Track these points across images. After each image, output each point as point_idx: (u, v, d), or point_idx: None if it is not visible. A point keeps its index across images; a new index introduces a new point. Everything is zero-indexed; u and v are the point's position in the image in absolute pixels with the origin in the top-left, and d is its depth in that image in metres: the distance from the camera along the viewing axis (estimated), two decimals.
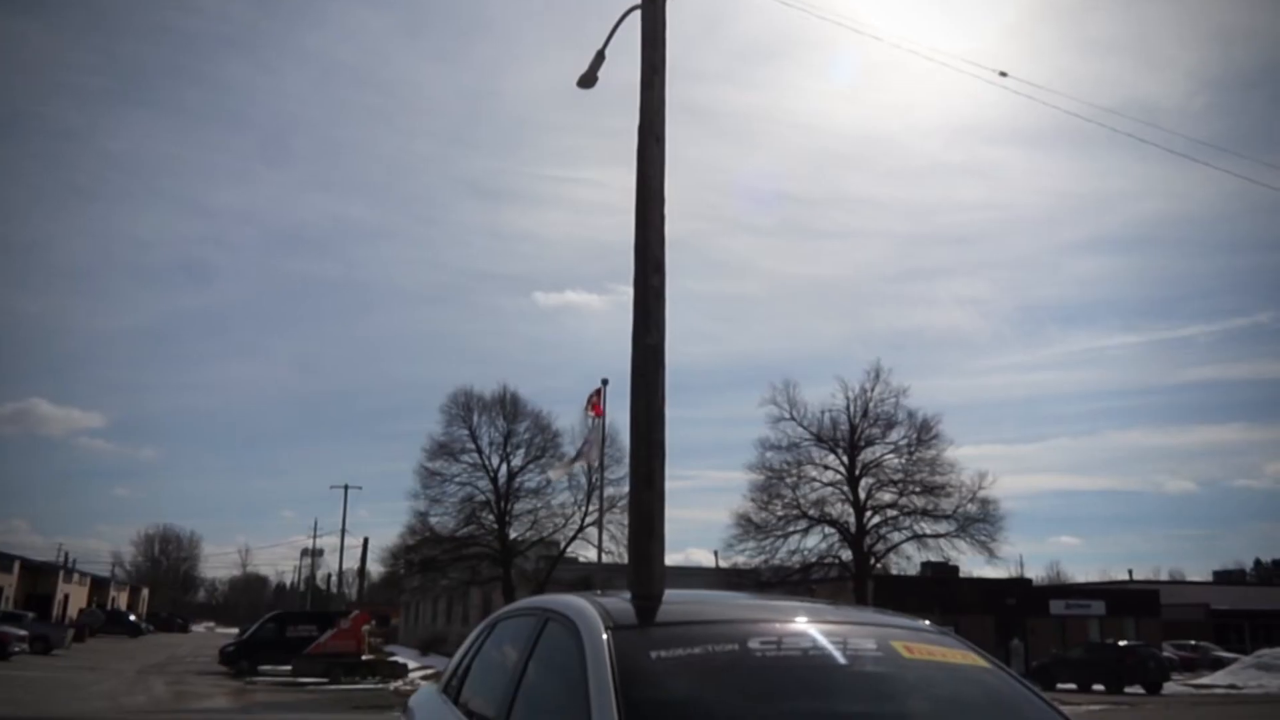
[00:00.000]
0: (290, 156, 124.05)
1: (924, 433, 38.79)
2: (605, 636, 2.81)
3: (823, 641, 3.03)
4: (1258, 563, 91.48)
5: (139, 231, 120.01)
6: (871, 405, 39.14)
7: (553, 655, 3.10)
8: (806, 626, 3.12)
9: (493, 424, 39.04)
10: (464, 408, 39.05)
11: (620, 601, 3.34)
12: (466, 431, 38.78)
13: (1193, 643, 47.32)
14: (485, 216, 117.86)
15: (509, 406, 39.23)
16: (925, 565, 40.75)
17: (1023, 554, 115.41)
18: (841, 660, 2.94)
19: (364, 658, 28.93)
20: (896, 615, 3.41)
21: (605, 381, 19.90)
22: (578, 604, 3.19)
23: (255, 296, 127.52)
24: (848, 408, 39.28)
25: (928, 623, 3.39)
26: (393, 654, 35.54)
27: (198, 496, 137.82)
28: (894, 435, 39.18)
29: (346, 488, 55.26)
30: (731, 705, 2.67)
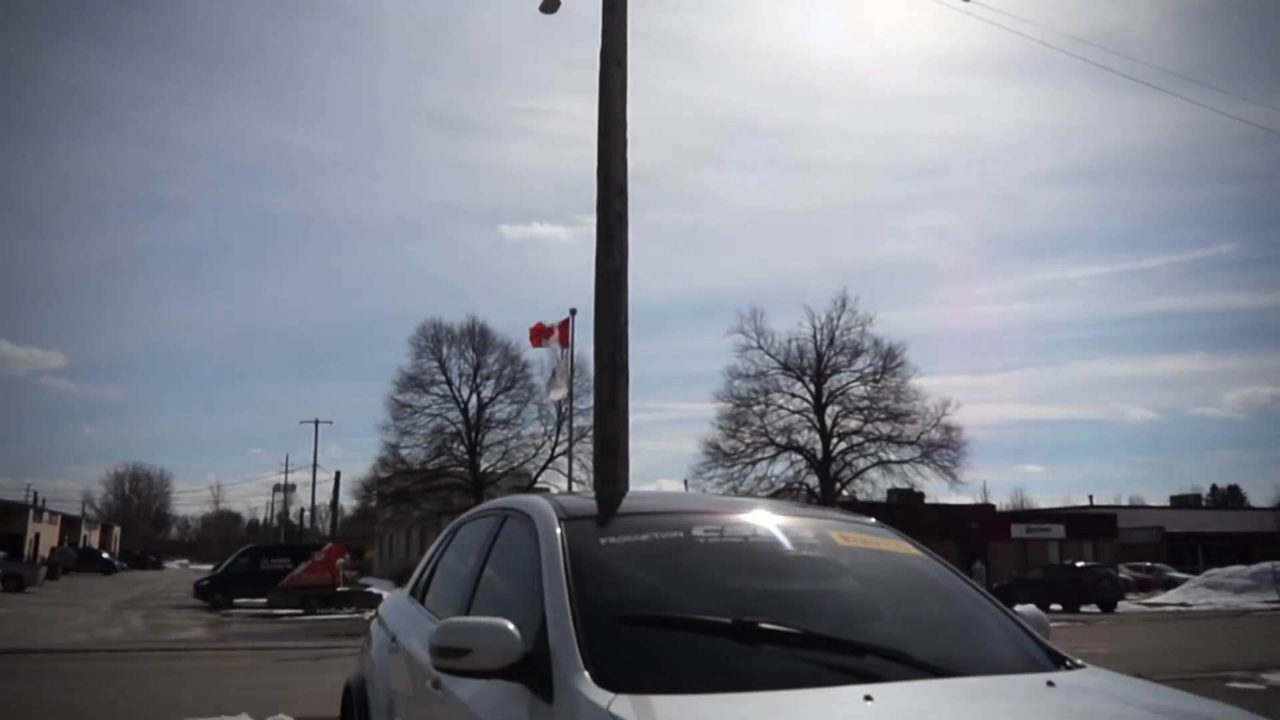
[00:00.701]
0: (249, 88, 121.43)
1: (889, 361, 39.44)
2: (559, 528, 2.97)
3: (763, 529, 3.22)
4: (1214, 488, 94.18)
5: (93, 167, 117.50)
6: (838, 334, 39.67)
7: (510, 549, 3.27)
8: (749, 517, 3.31)
9: (462, 356, 39.20)
10: (433, 340, 39.13)
11: (576, 498, 3.51)
12: (436, 363, 38.93)
13: (1148, 564, 48.82)
14: (450, 149, 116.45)
15: (478, 338, 39.36)
16: (891, 492, 41.64)
17: (987, 482, 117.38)
18: (779, 545, 3.14)
19: (339, 590, 29.31)
20: (838, 511, 3.60)
21: (573, 311, 19.92)
22: (535, 500, 3.37)
23: (217, 232, 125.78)
24: (814, 336, 39.78)
25: (873, 520, 3.58)
26: (367, 585, 36.01)
27: (167, 435, 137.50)
28: (860, 363, 39.84)
29: (317, 422, 55.32)
30: (674, 585, 2.86)
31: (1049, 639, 3.10)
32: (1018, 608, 3.35)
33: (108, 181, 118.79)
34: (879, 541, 3.44)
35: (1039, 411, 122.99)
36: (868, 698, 2.26)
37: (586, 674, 2.38)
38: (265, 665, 14.30)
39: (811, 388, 39.58)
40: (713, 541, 3.06)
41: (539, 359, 37.60)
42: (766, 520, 3.34)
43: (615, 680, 2.33)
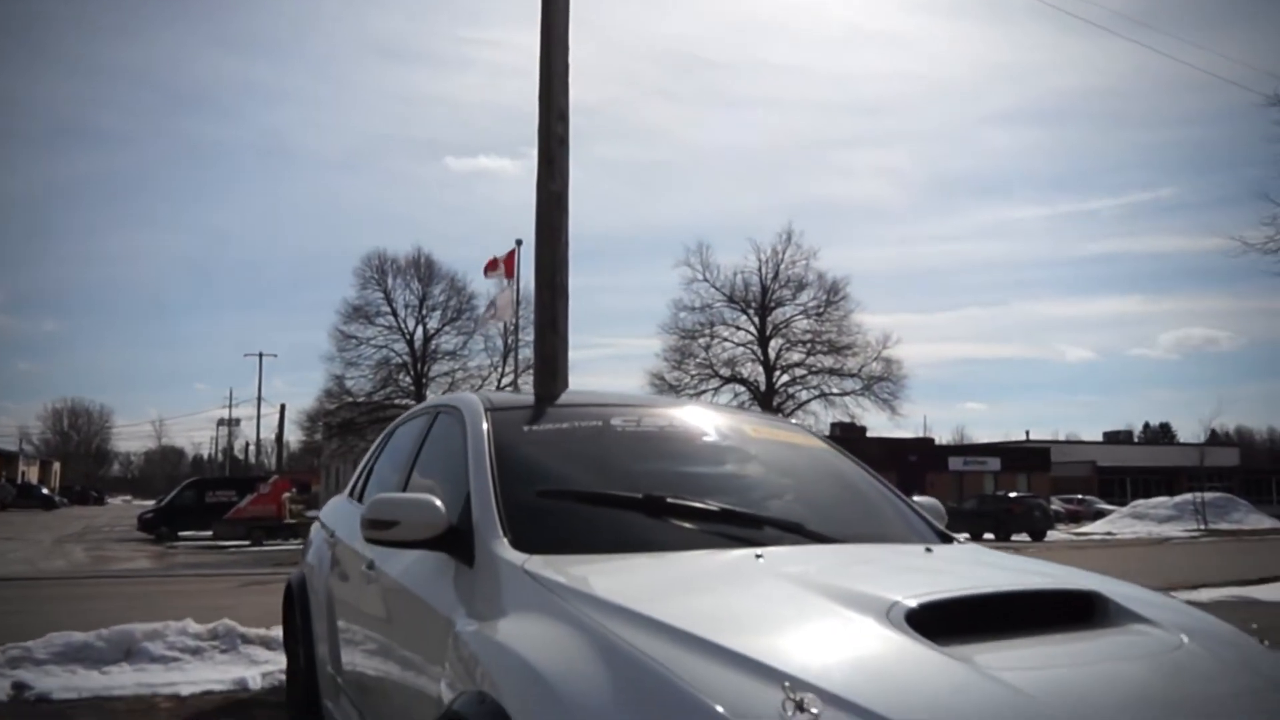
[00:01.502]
0: (188, 13, 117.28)
1: (833, 295, 40.01)
2: (485, 418, 3.16)
3: (678, 421, 3.45)
4: (1146, 425, 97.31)
5: (23, 94, 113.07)
6: (782, 267, 40.10)
7: (441, 441, 3.46)
8: (666, 410, 3.53)
9: (407, 287, 38.93)
10: (378, 270, 38.77)
11: (505, 395, 3.70)
12: (381, 294, 38.64)
13: (1079, 496, 50.55)
14: (394, 79, 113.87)
15: (424, 269, 39.07)
16: (834, 425, 42.47)
17: (929, 418, 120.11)
18: (692, 434, 3.37)
19: (286, 522, 29.37)
20: (756, 411, 3.84)
21: (519, 242, 19.92)
22: (465, 395, 3.56)
23: (155, 162, 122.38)
24: (759, 269, 40.16)
25: (793, 421, 3.82)
26: (314, 517, 36.03)
27: (106, 370, 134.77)
28: (804, 297, 40.37)
29: (261, 355, 54.95)
30: (590, 466, 3.07)
31: (942, 523, 3.38)
32: (916, 498, 3.62)
33: (39, 109, 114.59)
34: (790, 435, 3.69)
35: (981, 350, 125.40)
36: (758, 556, 2.50)
37: (505, 540, 2.59)
38: (211, 590, 14.41)
39: (756, 321, 40.15)
40: (629, 430, 3.28)
41: (486, 290, 37.58)
42: (683, 414, 3.57)
43: (531, 544, 2.55)
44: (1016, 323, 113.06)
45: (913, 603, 2.01)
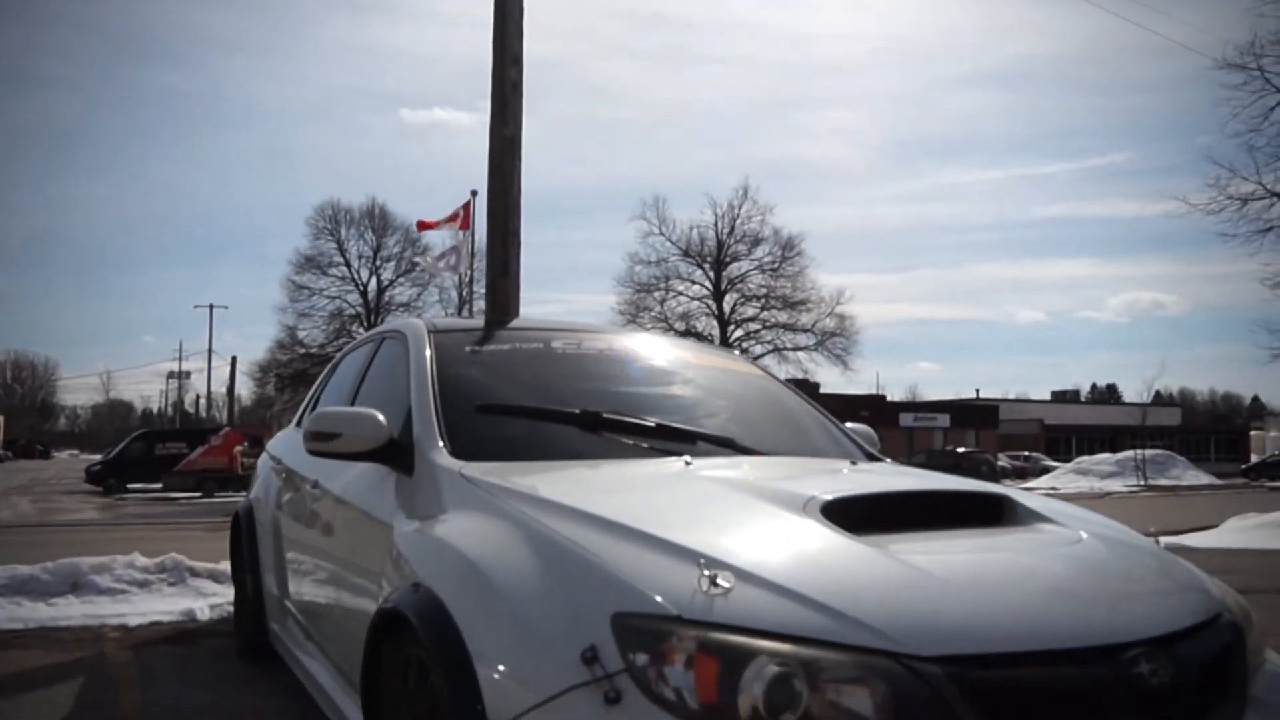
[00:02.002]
0: None
1: (788, 251, 40.26)
2: (428, 340, 3.21)
3: (619, 346, 3.53)
4: (1093, 386, 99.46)
5: None
6: (738, 223, 40.25)
7: (385, 365, 3.51)
8: (609, 336, 3.61)
9: (361, 238, 38.55)
10: (331, 220, 38.31)
11: (450, 319, 3.75)
12: (334, 244, 38.23)
13: (1026, 454, 51.52)
14: (349, 29, 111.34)
15: (378, 219, 38.66)
16: (788, 381, 42.91)
17: (882, 376, 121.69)
18: (631, 358, 3.45)
19: (238, 474, 29.13)
20: (697, 340, 3.93)
21: (474, 193, 19.76)
22: (409, 320, 3.62)
23: (104, 111, 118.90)
24: (715, 224, 40.27)
25: (738, 353, 3.92)
26: None
27: (51, 322, 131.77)
28: (759, 252, 40.57)
29: (211, 307, 54.06)
30: (529, 383, 3.14)
31: (874, 449, 3.50)
32: (850, 425, 3.74)
33: None
34: (728, 363, 3.79)
35: (935, 311, 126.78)
36: (687, 463, 2.60)
37: (444, 449, 2.66)
38: (161, 536, 14.29)
39: (711, 275, 40.34)
40: (570, 352, 3.35)
41: (441, 243, 37.28)
42: (624, 339, 3.65)
43: (469, 454, 2.62)
44: (969, 284, 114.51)
45: (828, 496, 2.12)
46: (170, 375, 68.10)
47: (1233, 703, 1.90)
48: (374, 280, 38.56)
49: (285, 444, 4.65)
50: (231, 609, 5.49)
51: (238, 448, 30.14)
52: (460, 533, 2.19)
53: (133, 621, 5.33)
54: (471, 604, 1.94)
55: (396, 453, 2.77)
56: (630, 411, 2.93)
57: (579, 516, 2.04)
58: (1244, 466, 50.29)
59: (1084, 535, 2.23)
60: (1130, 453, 40.79)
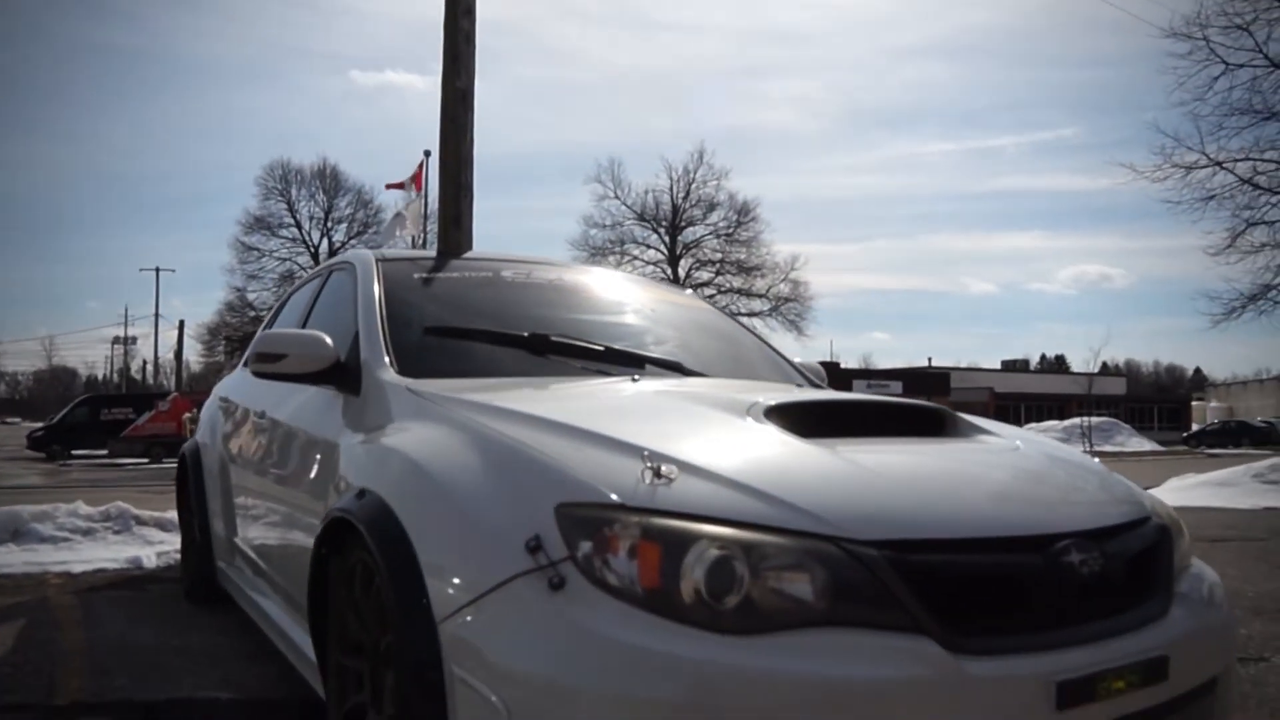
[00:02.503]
0: None
1: (743, 216, 40.36)
2: (376, 268, 3.18)
3: (569, 277, 3.53)
4: (1043, 356, 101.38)
5: None
6: (694, 187, 40.26)
7: (333, 294, 3.47)
8: (559, 269, 3.60)
9: (312, 198, 37.93)
10: (281, 180, 37.62)
11: (399, 250, 3.71)
12: (285, 205, 37.56)
13: None
14: None
15: (329, 180, 38.03)
16: (737, 316, 43.24)
17: (836, 344, 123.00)
18: (581, 288, 3.45)
19: (187, 440, 28.68)
20: (648, 276, 3.93)
21: (427, 153, 19.48)
22: (358, 251, 3.58)
23: (39, 66, 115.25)
24: (671, 189, 40.25)
25: (690, 291, 3.93)
26: None
27: None
28: (714, 217, 40.62)
29: (158, 270, 53.00)
30: (477, 308, 3.12)
31: (822, 384, 3.54)
32: (799, 359, 3.77)
33: None
34: (678, 297, 3.81)
35: (888, 282, 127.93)
36: (634, 379, 2.61)
37: (391, 369, 2.65)
38: (107, 499, 14.13)
39: (666, 240, 40.39)
40: (519, 281, 3.35)
41: (394, 203, 36.84)
42: (575, 272, 3.65)
43: (417, 373, 2.61)
44: (922, 255, 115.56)
45: (772, 402, 2.14)
46: (115, 340, 66.72)
47: (1160, 596, 1.97)
48: (325, 242, 38.04)
49: (232, 383, 4.61)
50: (178, 556, 5.43)
51: (187, 415, 29.70)
52: (406, 439, 2.19)
53: (76, 569, 5.26)
54: (415, 503, 1.94)
55: (343, 374, 2.76)
56: (578, 337, 2.93)
57: (524, 419, 2.04)
58: (1185, 434, 51.69)
59: (1020, 445, 2.29)
60: (1077, 420, 41.59)
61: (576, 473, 1.77)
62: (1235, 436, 45.92)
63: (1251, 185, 16.90)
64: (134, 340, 64.66)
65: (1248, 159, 16.90)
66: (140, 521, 5.99)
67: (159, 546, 5.69)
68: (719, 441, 1.96)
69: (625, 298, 3.52)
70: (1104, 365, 66.50)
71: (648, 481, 1.71)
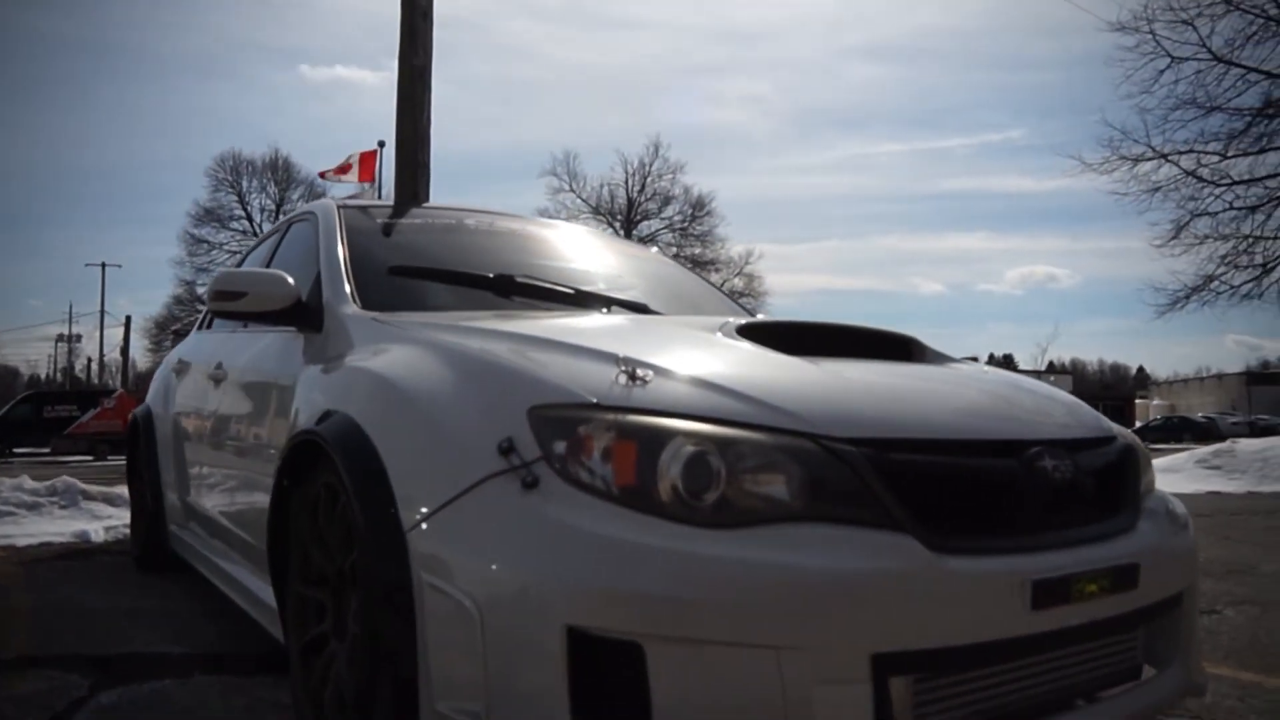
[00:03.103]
0: None
1: (698, 210, 40.52)
2: (338, 213, 3.12)
3: (533, 228, 3.49)
4: (991, 356, 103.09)
5: None
6: (649, 180, 40.32)
7: (294, 244, 3.39)
8: (524, 221, 3.56)
9: (264, 190, 37.36)
10: (232, 172, 37.03)
11: (361, 200, 3.65)
12: (235, 197, 36.93)
13: None
14: None
15: (281, 172, 37.48)
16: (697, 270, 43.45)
17: None
18: (544, 237, 3.42)
19: None
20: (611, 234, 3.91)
21: (381, 144, 19.29)
22: (319, 201, 3.51)
23: None
24: (626, 182, 40.27)
25: (654, 249, 3.91)
26: None
27: None
28: (669, 211, 40.72)
29: (104, 265, 51.76)
30: (440, 252, 3.07)
31: None
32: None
33: None
34: (641, 251, 3.79)
35: (840, 282, 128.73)
36: (605, 311, 2.59)
37: (354, 303, 2.59)
38: None
39: (621, 233, 40.34)
40: (483, 229, 3.30)
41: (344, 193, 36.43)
42: (540, 224, 3.61)
43: (381, 309, 2.56)
44: (873, 256, 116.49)
45: (743, 321, 2.13)
46: (59, 339, 65.01)
47: (1129, 511, 1.98)
48: None
49: (185, 346, 4.52)
50: (127, 531, 5.31)
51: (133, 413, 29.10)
52: (373, 361, 2.13)
53: (20, 542, 5.11)
54: (383, 416, 1.90)
55: (305, 313, 2.69)
56: (544, 279, 2.89)
57: (494, 334, 2.01)
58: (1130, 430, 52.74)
59: (989, 372, 2.31)
60: None
61: (549, 377, 1.74)
62: (1177, 432, 46.97)
63: (1195, 177, 17.30)
64: (78, 338, 63.05)
65: (1192, 151, 17.30)
66: (88, 496, 5.83)
67: (107, 521, 5.55)
68: (693, 351, 1.95)
69: (590, 248, 3.49)
70: (1051, 364, 67.73)
71: (622, 383, 1.68)
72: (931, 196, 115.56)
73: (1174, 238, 17.66)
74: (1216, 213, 17.49)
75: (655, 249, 4.79)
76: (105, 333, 52.50)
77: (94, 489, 5.97)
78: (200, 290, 36.96)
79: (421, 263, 2.97)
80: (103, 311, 50.41)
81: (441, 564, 1.63)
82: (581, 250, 3.44)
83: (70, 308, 79.27)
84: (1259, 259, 17.50)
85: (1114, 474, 2.01)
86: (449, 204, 3.69)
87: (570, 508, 1.54)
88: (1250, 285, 17.55)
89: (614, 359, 1.75)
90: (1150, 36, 16.96)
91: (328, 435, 1.95)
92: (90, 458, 26.60)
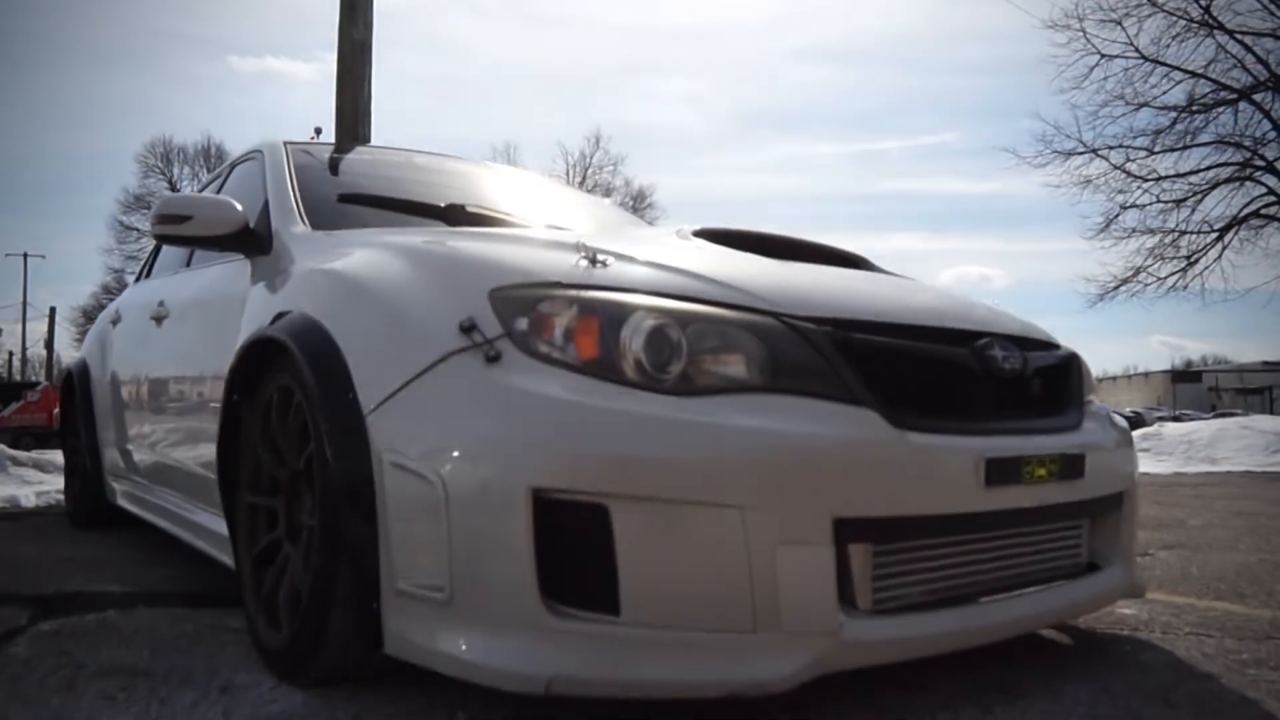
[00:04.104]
0: None
1: (639, 201, 40.57)
2: (285, 150, 3.06)
3: (483, 169, 3.50)
4: None
5: None
6: (590, 172, 40.27)
7: (239, 182, 3.31)
8: (474, 164, 3.54)
9: (195, 177, 36.42)
10: (162, 159, 36.10)
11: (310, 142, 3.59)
12: (166, 184, 35.95)
13: None
14: None
15: (214, 160, 36.60)
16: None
17: None
18: (494, 177, 3.42)
19: (57, 431, 27.30)
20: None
21: (319, 130, 18.99)
22: (265, 140, 3.44)
23: None
24: (567, 173, 40.11)
25: (607, 200, 3.91)
26: None
27: None
28: (612, 202, 40.87)
29: (26, 256, 50.17)
30: (392, 184, 3.03)
31: None
32: None
33: None
34: (590, 198, 3.80)
35: None
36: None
37: (304, 225, 2.56)
38: None
39: None
40: (432, 166, 3.28)
41: None
42: (488, 166, 3.60)
43: (331, 229, 2.52)
44: None
45: (700, 227, 2.15)
46: None
47: (1074, 411, 2.05)
48: None
49: (122, 299, 4.41)
50: (59, 497, 5.17)
51: (57, 409, 28.25)
52: (326, 262, 2.11)
53: None
54: (340, 307, 1.88)
55: (252, 239, 2.64)
56: (495, 212, 2.88)
57: (451, 234, 2.01)
58: None
59: (933, 286, 2.36)
60: None
61: (510, 261, 1.74)
62: None
63: (1124, 172, 17.80)
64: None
65: (1121, 146, 17.80)
66: (17, 462, 5.67)
67: (38, 487, 5.40)
68: (653, 246, 1.96)
69: (539, 188, 3.49)
70: None
71: (583, 266, 1.69)
72: (870, 197, 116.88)
73: (1103, 230, 18.17)
74: (1144, 205, 18.03)
75: (608, 200, 4.82)
76: (29, 325, 50.88)
77: (24, 455, 5.81)
78: (129, 278, 36.06)
79: (372, 186, 2.94)
80: (25, 303, 48.87)
81: (403, 440, 1.62)
82: (533, 189, 3.44)
83: None
84: (1184, 252, 18.06)
85: (1060, 376, 2.08)
86: (398, 146, 3.66)
87: (534, 377, 1.54)
88: (1176, 277, 18.12)
89: (574, 247, 1.76)
90: (1081, 34, 17.44)
91: (283, 331, 1.92)
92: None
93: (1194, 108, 17.59)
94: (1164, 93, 17.68)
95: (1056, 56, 18.06)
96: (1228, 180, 17.81)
